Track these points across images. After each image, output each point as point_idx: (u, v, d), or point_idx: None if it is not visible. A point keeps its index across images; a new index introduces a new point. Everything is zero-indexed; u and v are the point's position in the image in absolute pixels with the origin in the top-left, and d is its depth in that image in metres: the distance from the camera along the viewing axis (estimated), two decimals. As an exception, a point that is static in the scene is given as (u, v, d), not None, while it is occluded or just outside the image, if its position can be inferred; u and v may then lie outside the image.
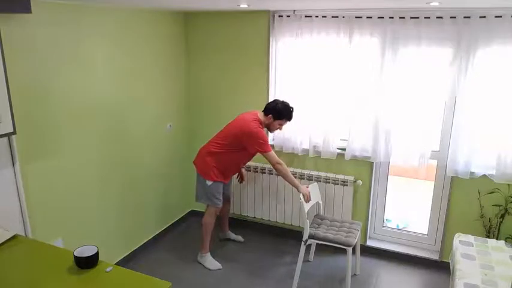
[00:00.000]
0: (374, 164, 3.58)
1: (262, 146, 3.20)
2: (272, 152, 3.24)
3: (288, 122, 3.37)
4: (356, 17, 3.26)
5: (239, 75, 3.89)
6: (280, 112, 3.26)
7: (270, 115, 3.28)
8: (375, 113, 3.39)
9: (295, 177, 3.72)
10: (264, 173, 3.89)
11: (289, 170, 3.29)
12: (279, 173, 3.28)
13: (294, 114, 3.36)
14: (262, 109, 3.35)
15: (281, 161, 3.25)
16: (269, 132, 3.56)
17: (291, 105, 3.32)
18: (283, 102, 3.30)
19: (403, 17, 3.11)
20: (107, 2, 2.70)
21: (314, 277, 3.43)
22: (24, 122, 2.52)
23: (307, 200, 3.22)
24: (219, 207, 3.47)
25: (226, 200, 3.78)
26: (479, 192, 3.27)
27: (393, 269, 3.58)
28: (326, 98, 3.51)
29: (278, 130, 3.43)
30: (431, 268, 3.54)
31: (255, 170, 3.92)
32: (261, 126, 3.26)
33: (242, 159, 3.47)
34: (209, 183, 3.36)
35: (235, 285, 3.32)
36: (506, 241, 2.94)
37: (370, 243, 3.80)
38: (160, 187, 3.94)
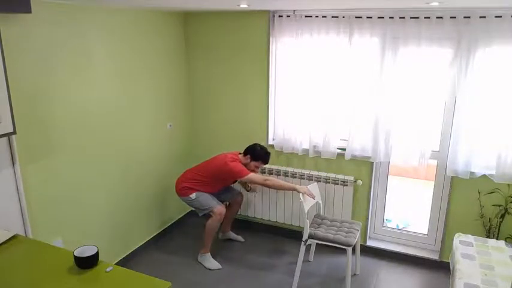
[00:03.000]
0: (374, 164, 3.57)
1: (241, 173, 3.35)
2: (252, 174, 3.36)
3: (263, 165, 3.55)
4: (356, 17, 3.26)
5: (239, 75, 3.89)
6: (257, 155, 3.47)
7: (248, 155, 3.48)
8: (375, 113, 3.39)
9: (295, 178, 3.74)
10: (264, 173, 3.89)
11: (277, 180, 3.43)
12: (271, 187, 3.41)
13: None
14: (243, 151, 3.54)
15: (267, 177, 3.47)
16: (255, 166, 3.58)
17: (268, 150, 3.54)
18: (261, 146, 3.54)
19: (403, 17, 3.11)
20: (107, 2, 2.70)
21: (314, 277, 3.43)
22: (24, 122, 2.52)
23: (311, 196, 3.23)
24: (216, 209, 3.45)
25: (236, 201, 3.82)
26: (479, 192, 3.27)
27: (393, 269, 3.58)
28: (326, 98, 3.51)
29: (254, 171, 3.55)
30: (431, 268, 3.54)
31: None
32: (237, 161, 3.43)
33: (222, 185, 3.62)
34: (193, 196, 3.47)
35: (235, 285, 3.32)
36: (506, 241, 2.94)
37: (370, 243, 3.80)
38: (160, 187, 3.94)
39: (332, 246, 3.11)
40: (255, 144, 3.55)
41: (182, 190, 3.52)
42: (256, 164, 3.49)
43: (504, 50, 2.92)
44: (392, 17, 3.14)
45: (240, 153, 3.56)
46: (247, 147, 3.54)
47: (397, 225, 4.13)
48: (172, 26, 3.84)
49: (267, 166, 3.82)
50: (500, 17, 2.85)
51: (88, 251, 1.97)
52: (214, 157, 3.58)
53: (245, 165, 3.44)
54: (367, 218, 3.72)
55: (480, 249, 2.77)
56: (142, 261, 3.61)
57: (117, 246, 3.48)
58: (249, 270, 3.52)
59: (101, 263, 1.98)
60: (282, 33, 3.58)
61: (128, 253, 3.60)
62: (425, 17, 3.05)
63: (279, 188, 3.39)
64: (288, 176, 3.81)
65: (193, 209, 3.63)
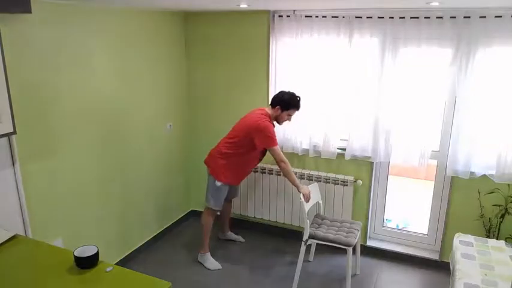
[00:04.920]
0: (374, 164, 3.58)
1: (269, 140, 3.17)
2: (278, 148, 3.21)
3: (296, 112, 3.31)
4: (356, 17, 3.26)
5: (239, 75, 3.89)
6: (287, 102, 3.22)
7: (278, 106, 3.24)
8: (375, 113, 3.39)
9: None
10: (264, 173, 3.89)
11: (292, 170, 3.28)
12: (282, 171, 3.26)
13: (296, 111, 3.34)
14: (269, 103, 3.33)
15: (286, 160, 3.22)
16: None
17: (297, 94, 3.28)
18: (289, 92, 3.26)
19: (403, 17, 3.11)
20: (107, 2, 2.70)
21: (314, 277, 3.43)
22: (24, 122, 2.51)
23: (307, 200, 3.23)
24: (218, 209, 3.47)
25: (228, 201, 3.78)
26: (479, 192, 3.27)
27: (393, 269, 3.58)
28: (326, 98, 3.51)
29: (287, 122, 3.37)
30: (431, 268, 3.54)
31: (255, 170, 3.91)
32: (269, 120, 3.24)
33: (252, 161, 3.46)
34: (218, 184, 3.35)
35: (235, 285, 3.32)
36: (506, 241, 2.94)
37: (370, 243, 3.80)
38: (160, 187, 3.94)
39: (332, 246, 3.11)
40: (281, 91, 3.28)
41: (215, 168, 3.33)
42: (288, 112, 3.24)
43: (504, 50, 2.92)
44: (392, 17, 3.14)
45: (265, 108, 3.31)
46: (273, 98, 3.28)
47: (397, 225, 4.13)
48: (172, 26, 3.84)
49: (267, 166, 3.82)
50: (500, 17, 2.85)
51: (88, 251, 1.97)
52: (244, 117, 3.33)
53: (276, 117, 3.27)
54: (367, 218, 3.73)
55: (480, 249, 2.77)
56: (142, 261, 3.61)
57: (117, 246, 3.48)
58: (249, 270, 3.52)
59: (101, 263, 1.98)
60: (282, 33, 3.58)
61: (128, 253, 3.60)
62: (425, 17, 3.05)
63: (287, 175, 3.24)
64: (288, 176, 3.81)
65: (207, 190, 3.46)
